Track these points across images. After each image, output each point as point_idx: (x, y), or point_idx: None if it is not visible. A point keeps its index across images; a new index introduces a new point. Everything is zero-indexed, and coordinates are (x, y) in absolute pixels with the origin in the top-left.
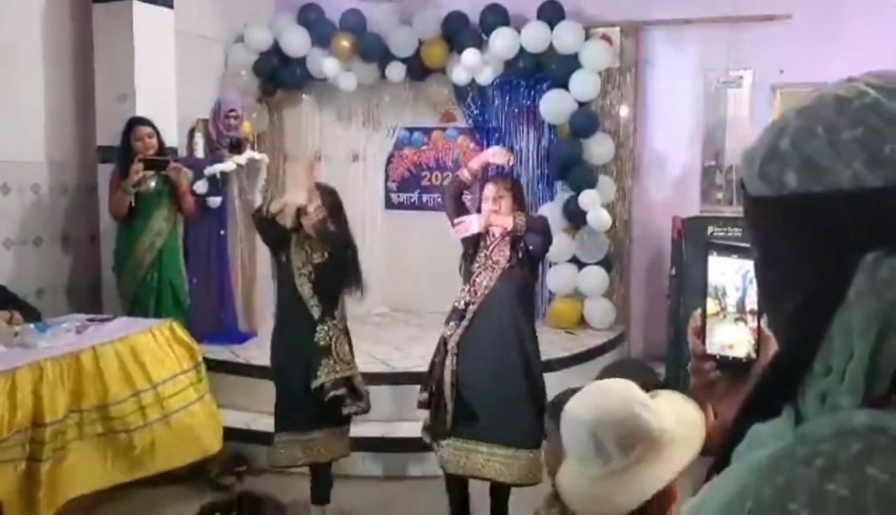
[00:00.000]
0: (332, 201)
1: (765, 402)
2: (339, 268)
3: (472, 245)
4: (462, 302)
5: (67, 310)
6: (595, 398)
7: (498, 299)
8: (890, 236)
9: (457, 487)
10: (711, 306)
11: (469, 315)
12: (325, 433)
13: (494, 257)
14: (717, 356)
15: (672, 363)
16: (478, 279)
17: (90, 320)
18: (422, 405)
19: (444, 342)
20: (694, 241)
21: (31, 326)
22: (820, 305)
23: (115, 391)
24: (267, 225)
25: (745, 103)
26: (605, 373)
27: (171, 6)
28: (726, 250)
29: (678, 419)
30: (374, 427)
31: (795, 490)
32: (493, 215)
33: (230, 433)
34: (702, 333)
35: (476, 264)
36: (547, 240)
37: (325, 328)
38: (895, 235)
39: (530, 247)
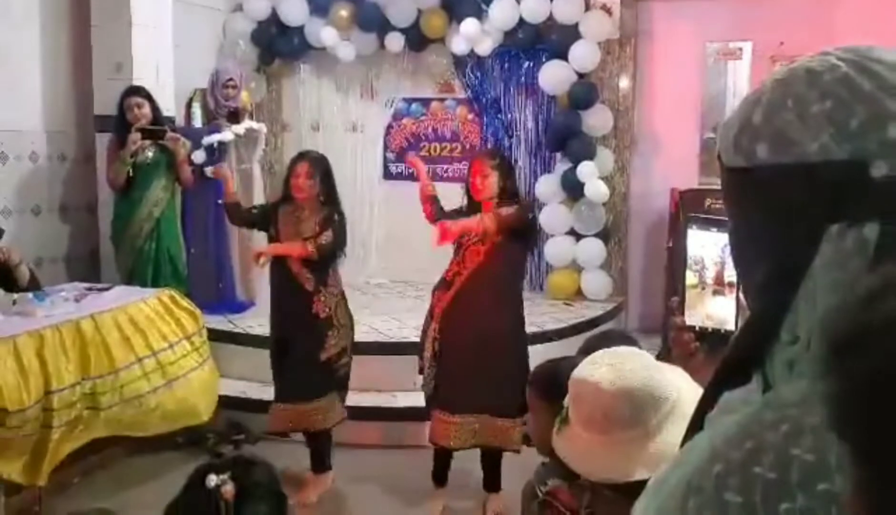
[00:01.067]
0: (322, 168)
1: (735, 368)
2: (331, 238)
3: (462, 215)
4: (451, 273)
5: (66, 279)
6: (616, 365)
7: (487, 273)
8: (854, 208)
9: (442, 450)
10: (691, 278)
11: (457, 286)
12: (326, 401)
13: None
14: (697, 328)
15: (664, 332)
16: (467, 253)
17: (89, 288)
18: (420, 371)
19: (431, 310)
20: (692, 213)
21: (30, 295)
22: (787, 274)
23: (117, 359)
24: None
25: (744, 75)
26: (589, 344)
27: None
28: (706, 223)
29: (688, 385)
30: (372, 397)
31: (762, 454)
32: (465, 222)
33: (228, 402)
34: (681, 305)
35: (465, 236)
36: (528, 239)
37: (322, 298)
38: (859, 207)
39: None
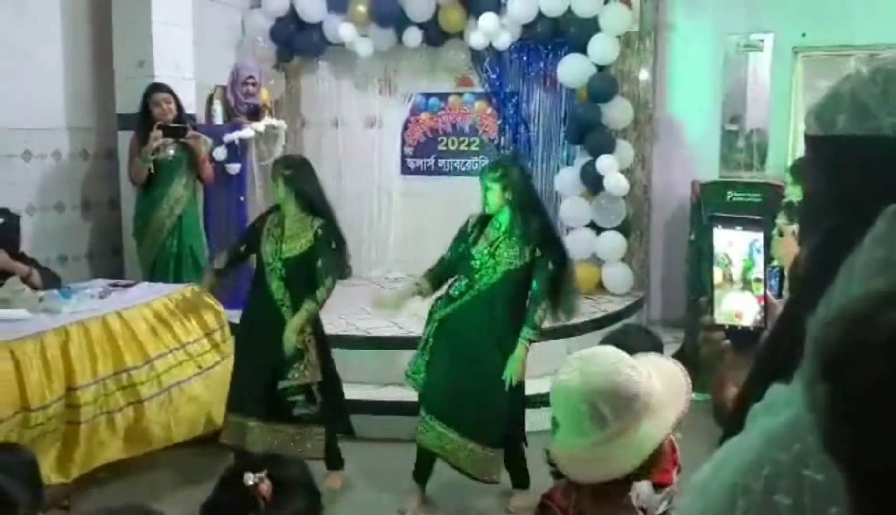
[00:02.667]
0: (301, 173)
1: (775, 354)
2: (317, 259)
3: (477, 228)
4: (457, 291)
5: (89, 275)
6: (582, 368)
7: (493, 299)
8: None
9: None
10: (718, 276)
11: (459, 303)
12: (290, 429)
13: (499, 253)
14: (726, 326)
15: (691, 328)
16: (476, 275)
17: (112, 285)
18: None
19: (431, 314)
20: (713, 206)
21: (56, 292)
22: (836, 241)
23: (140, 355)
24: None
25: (766, 67)
26: (608, 339)
27: None
28: (731, 222)
29: (661, 377)
30: (389, 391)
31: (810, 456)
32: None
33: None
34: (710, 303)
35: (477, 259)
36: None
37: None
38: None
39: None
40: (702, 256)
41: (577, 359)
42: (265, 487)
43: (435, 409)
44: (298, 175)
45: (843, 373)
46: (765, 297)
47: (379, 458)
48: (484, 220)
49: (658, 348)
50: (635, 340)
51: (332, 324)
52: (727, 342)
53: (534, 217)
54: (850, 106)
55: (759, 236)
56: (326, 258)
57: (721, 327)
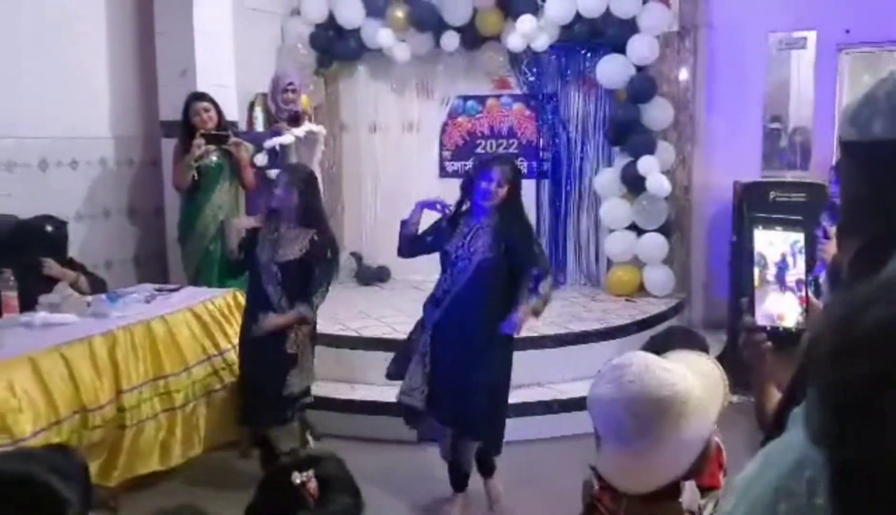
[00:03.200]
0: (303, 181)
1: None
2: (314, 264)
3: (450, 225)
4: (440, 289)
5: (135, 280)
6: (617, 377)
7: (471, 290)
8: None
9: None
10: (758, 277)
11: (445, 304)
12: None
13: (472, 246)
14: (768, 328)
15: (733, 330)
16: (454, 268)
17: (158, 289)
18: (390, 375)
19: (421, 322)
20: (755, 206)
21: (103, 296)
22: (880, 246)
23: (188, 357)
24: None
25: (809, 65)
26: (653, 341)
27: None
28: (771, 223)
29: (697, 375)
30: None
31: None
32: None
33: None
34: (750, 305)
35: (453, 251)
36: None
37: (294, 336)
38: None
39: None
40: (744, 257)
41: (610, 369)
42: (313, 486)
43: (446, 418)
44: (305, 188)
45: (829, 371)
46: (806, 298)
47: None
48: (456, 216)
49: (704, 349)
50: (680, 342)
51: (369, 328)
52: (769, 343)
53: (519, 221)
54: (886, 110)
55: (799, 237)
56: (322, 266)
57: (762, 328)
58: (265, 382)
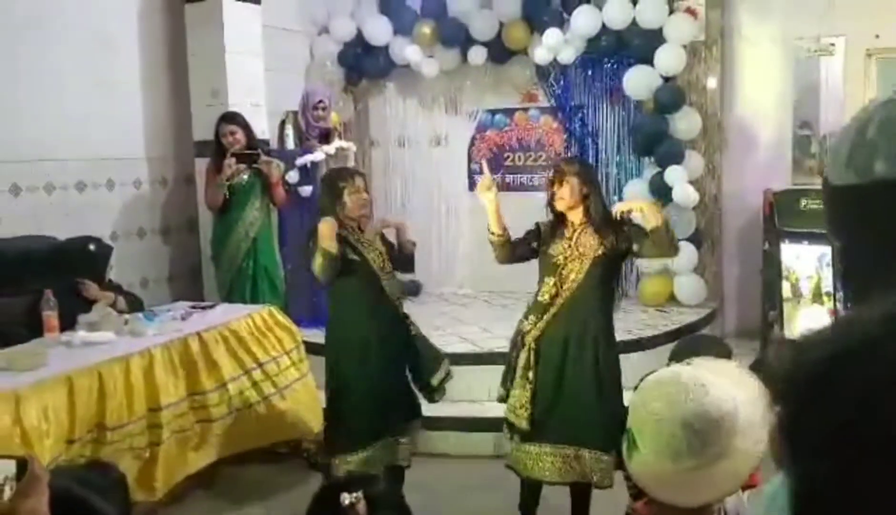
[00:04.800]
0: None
1: None
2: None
3: (550, 232)
4: (547, 295)
5: (170, 298)
6: (665, 396)
7: (584, 292)
8: None
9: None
10: (787, 291)
11: (553, 310)
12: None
13: (581, 246)
14: None
15: (766, 339)
16: (564, 271)
17: (193, 307)
18: (501, 399)
19: (521, 336)
20: (786, 215)
21: (140, 315)
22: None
23: (224, 373)
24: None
25: (838, 70)
26: (678, 351)
27: (258, 2)
28: (798, 237)
29: (738, 385)
30: (463, 407)
31: None
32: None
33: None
34: (780, 318)
35: (560, 255)
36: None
37: (409, 319)
38: None
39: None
40: (774, 267)
41: (658, 385)
42: (362, 507)
43: (549, 437)
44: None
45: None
46: (834, 310)
47: (444, 473)
48: (553, 224)
49: (728, 355)
50: (706, 349)
51: None
52: None
53: (606, 211)
54: (886, 151)
55: (827, 251)
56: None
57: (791, 342)
58: (394, 381)
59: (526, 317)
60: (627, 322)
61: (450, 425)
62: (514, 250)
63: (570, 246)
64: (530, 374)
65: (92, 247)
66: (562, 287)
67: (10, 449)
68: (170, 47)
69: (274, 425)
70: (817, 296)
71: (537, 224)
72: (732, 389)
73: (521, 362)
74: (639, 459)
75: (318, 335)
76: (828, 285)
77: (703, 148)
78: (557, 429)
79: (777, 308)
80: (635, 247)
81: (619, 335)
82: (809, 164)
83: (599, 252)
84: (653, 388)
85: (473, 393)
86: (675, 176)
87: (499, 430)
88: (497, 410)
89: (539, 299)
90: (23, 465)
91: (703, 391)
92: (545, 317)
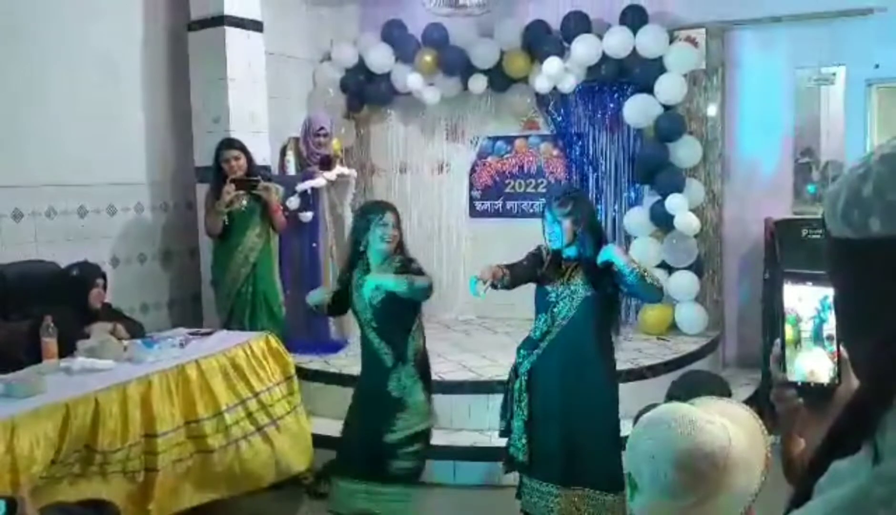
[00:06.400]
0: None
1: (844, 439)
2: (401, 301)
3: (549, 264)
4: (538, 332)
5: (170, 323)
6: (662, 432)
7: (577, 326)
8: None
9: None
10: (790, 333)
11: (544, 346)
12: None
13: (573, 284)
14: (799, 383)
15: (766, 372)
16: (555, 309)
17: (192, 333)
18: (502, 434)
19: (514, 370)
20: (787, 245)
21: (139, 341)
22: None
23: (221, 401)
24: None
25: (838, 100)
26: (675, 387)
27: (260, 30)
28: (801, 278)
29: (736, 425)
30: (465, 436)
31: None
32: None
33: (324, 441)
34: (781, 360)
35: (553, 292)
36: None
37: (398, 375)
38: None
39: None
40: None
41: (652, 424)
42: None
43: (551, 475)
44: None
45: None
46: (838, 353)
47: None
48: (552, 258)
49: (727, 393)
50: (705, 388)
51: None
52: (800, 400)
53: (595, 251)
54: (880, 209)
55: (829, 292)
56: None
57: (794, 384)
58: (366, 428)
59: (518, 351)
60: (627, 351)
61: (450, 454)
62: (516, 280)
63: (562, 283)
64: (523, 404)
65: (75, 272)
66: (553, 324)
67: (1, 477)
68: (172, 74)
69: (270, 463)
70: (818, 339)
71: (539, 247)
72: (727, 426)
73: (516, 395)
74: (639, 500)
75: (315, 362)
76: (830, 328)
77: (704, 176)
78: (560, 467)
79: (780, 347)
80: (623, 289)
81: (621, 365)
82: (811, 192)
83: (588, 293)
84: (646, 427)
85: (475, 422)
86: (676, 204)
87: (499, 459)
88: (496, 439)
89: (532, 335)
90: (12, 505)
91: (695, 429)
92: (535, 351)
